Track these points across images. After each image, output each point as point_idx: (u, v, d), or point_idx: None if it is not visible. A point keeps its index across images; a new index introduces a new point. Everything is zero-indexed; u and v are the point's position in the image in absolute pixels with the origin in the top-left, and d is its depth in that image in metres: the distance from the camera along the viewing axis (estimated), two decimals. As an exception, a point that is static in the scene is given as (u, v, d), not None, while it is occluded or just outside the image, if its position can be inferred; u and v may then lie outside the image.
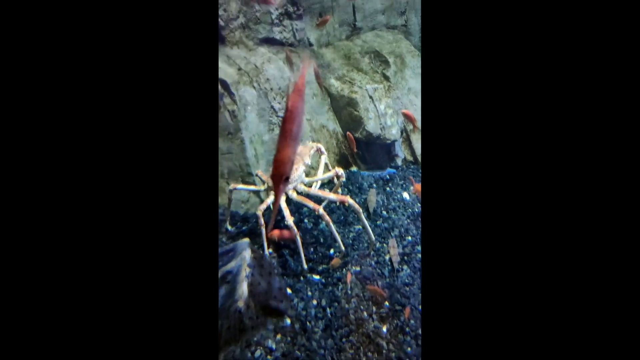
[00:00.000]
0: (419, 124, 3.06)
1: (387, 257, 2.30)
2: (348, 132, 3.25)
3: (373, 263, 2.25)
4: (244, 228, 2.68)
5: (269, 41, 3.38)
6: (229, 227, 2.68)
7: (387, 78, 3.56)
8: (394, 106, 3.41)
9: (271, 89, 3.09)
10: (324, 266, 2.26)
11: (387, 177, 3.27)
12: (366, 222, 2.28)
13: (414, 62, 3.78)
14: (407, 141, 3.59)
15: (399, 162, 3.48)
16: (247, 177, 2.95)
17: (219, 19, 3.13)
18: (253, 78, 3.05)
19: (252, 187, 2.62)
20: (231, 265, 1.95)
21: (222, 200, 2.94)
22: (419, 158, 3.53)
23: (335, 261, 2.22)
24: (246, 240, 2.14)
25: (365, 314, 1.85)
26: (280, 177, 1.02)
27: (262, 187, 2.54)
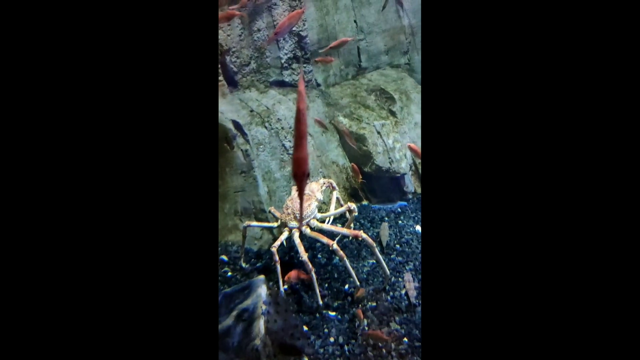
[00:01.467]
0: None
1: (403, 292, 2.27)
2: (352, 163, 3.32)
3: (389, 298, 2.23)
4: (258, 265, 2.70)
5: (279, 84, 3.55)
6: (243, 264, 2.69)
7: (393, 114, 3.67)
8: (402, 140, 3.49)
9: (282, 128, 3.21)
10: (339, 302, 2.24)
11: (399, 210, 3.29)
12: (380, 257, 2.28)
13: (419, 98, 3.90)
14: (417, 174, 3.63)
15: (410, 195, 3.51)
16: (260, 214, 3.00)
17: (232, 66, 3.32)
18: (265, 119, 3.18)
19: (265, 224, 2.66)
20: (247, 302, 1.95)
21: (237, 237, 2.98)
22: (429, 190, 3.56)
23: (361, 292, 2.21)
24: (261, 277, 2.16)
25: (384, 351, 1.81)
26: (302, 174, 1.10)
27: (275, 224, 2.57)
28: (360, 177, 3.25)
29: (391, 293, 2.27)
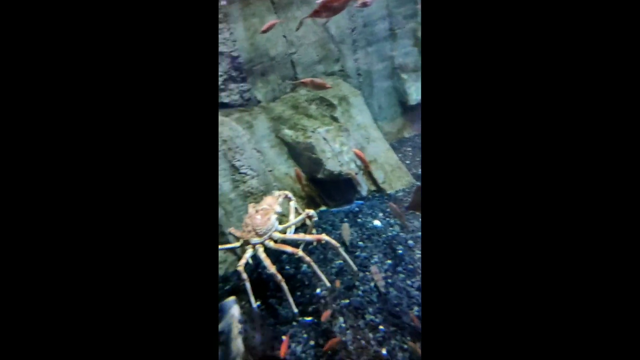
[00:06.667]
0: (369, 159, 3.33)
1: (372, 284, 2.35)
2: (295, 169, 3.39)
3: (360, 292, 2.29)
4: (226, 288, 2.65)
5: (219, 105, 3.56)
6: (212, 291, 2.63)
7: (335, 119, 3.80)
8: (348, 143, 3.62)
9: (229, 149, 3.21)
10: (314, 306, 2.27)
11: (356, 209, 3.40)
12: (346, 255, 2.35)
13: (357, 101, 4.09)
14: (367, 173, 3.78)
15: (364, 192, 3.64)
16: (220, 237, 2.96)
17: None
18: (210, 142, 3.17)
19: (228, 246, 2.63)
20: (221, 326, 1.92)
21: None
22: (381, 185, 3.72)
23: (337, 283, 2.28)
24: (232, 298, 2.13)
25: (363, 342, 1.87)
26: None
27: (237, 244, 2.56)
28: (304, 181, 3.30)
29: (361, 287, 2.34)
